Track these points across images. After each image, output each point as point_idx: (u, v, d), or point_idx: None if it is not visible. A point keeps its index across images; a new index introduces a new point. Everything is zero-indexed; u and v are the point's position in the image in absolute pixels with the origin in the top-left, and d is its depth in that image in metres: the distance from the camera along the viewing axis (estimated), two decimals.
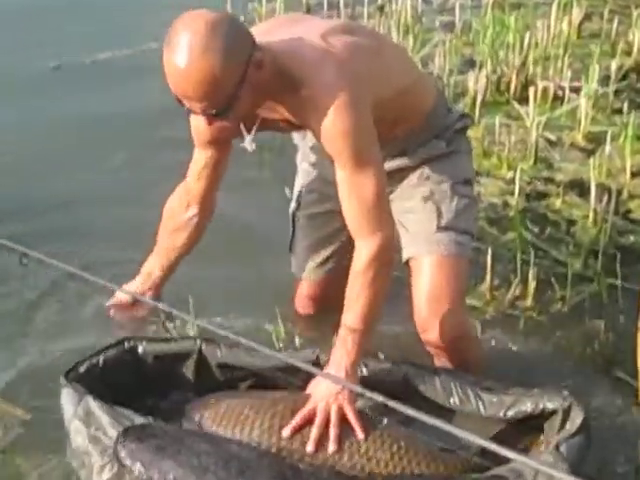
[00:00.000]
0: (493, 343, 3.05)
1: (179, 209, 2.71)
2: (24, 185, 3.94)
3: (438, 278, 2.62)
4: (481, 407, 2.42)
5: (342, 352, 2.37)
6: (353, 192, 2.36)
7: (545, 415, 2.38)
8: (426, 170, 2.67)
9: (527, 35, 4.88)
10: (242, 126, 2.40)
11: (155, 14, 5.28)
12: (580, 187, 3.93)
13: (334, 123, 2.29)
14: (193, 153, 2.65)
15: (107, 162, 4.17)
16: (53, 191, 3.90)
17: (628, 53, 5.05)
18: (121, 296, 2.81)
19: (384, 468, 2.28)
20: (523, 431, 2.41)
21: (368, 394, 2.00)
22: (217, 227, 2.77)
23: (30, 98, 4.71)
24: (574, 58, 4.96)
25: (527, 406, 2.39)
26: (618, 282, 3.26)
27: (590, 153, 4.17)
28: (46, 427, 2.64)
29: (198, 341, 2.58)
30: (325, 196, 2.82)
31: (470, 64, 5.00)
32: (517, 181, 3.83)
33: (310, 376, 2.37)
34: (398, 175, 2.67)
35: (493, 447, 1.74)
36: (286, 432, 2.31)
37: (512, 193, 3.85)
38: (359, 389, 2.21)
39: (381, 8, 5.75)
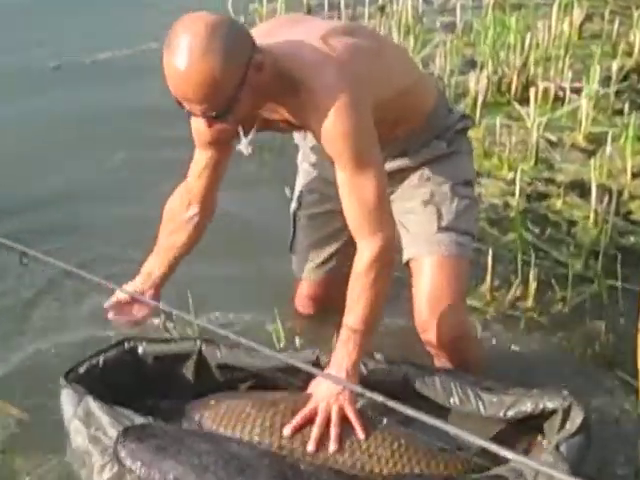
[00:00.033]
0: (493, 343, 3.05)
1: (180, 208, 2.71)
2: (24, 184, 3.94)
3: (439, 279, 2.63)
4: (481, 407, 2.42)
5: (343, 353, 2.37)
6: (354, 194, 2.36)
7: (545, 415, 2.38)
8: (427, 171, 2.67)
9: (528, 36, 4.87)
10: (240, 129, 2.39)
11: (155, 14, 5.32)
12: (581, 188, 3.93)
13: (334, 125, 2.29)
14: (193, 153, 2.64)
15: (107, 161, 4.17)
16: (53, 190, 3.91)
17: (629, 54, 5.05)
18: (120, 296, 2.80)
19: (384, 467, 2.28)
20: (523, 431, 2.41)
21: (368, 394, 2.00)
22: (217, 227, 2.77)
23: (30, 98, 4.71)
24: (575, 59, 4.96)
25: (527, 406, 2.39)
26: (619, 283, 3.26)
27: (591, 154, 4.17)
28: (46, 427, 2.64)
29: (198, 342, 2.58)
30: (326, 196, 2.82)
31: (471, 65, 4.99)
32: (518, 182, 3.83)
33: (310, 377, 2.37)
34: (399, 176, 2.67)
35: (493, 447, 1.74)
36: (287, 431, 2.31)
37: (513, 194, 3.85)
38: (360, 389, 2.20)
39: (382, 8, 5.74)
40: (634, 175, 4.01)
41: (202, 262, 2.98)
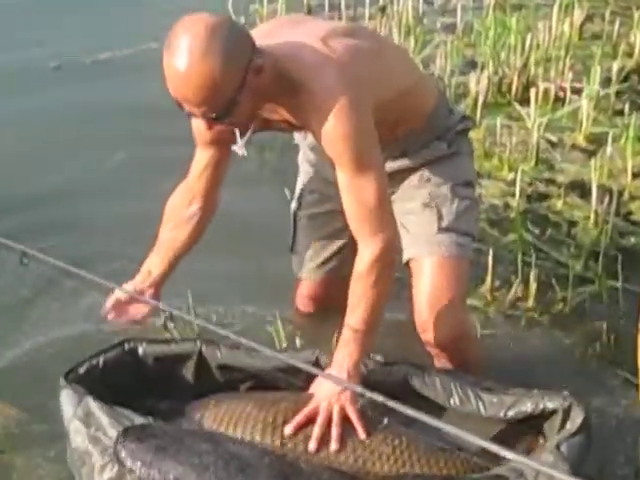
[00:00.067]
0: (494, 343, 3.05)
1: (181, 207, 2.70)
2: (24, 182, 3.94)
3: (439, 279, 2.63)
4: (481, 407, 2.42)
5: (344, 353, 2.37)
6: (354, 195, 2.36)
7: (545, 415, 2.37)
8: (427, 172, 2.67)
9: (528, 36, 4.87)
10: (237, 131, 2.39)
11: (155, 14, 5.32)
12: (581, 188, 3.93)
13: (335, 126, 2.29)
14: (193, 151, 2.64)
15: (107, 160, 4.18)
16: (53, 188, 3.91)
17: (629, 54, 5.05)
18: (120, 295, 2.80)
19: (385, 467, 2.28)
20: (523, 431, 2.41)
21: (369, 394, 1.99)
22: (218, 226, 2.76)
23: (30, 98, 4.71)
24: (575, 59, 4.96)
25: (527, 406, 2.39)
26: (619, 283, 3.26)
27: (591, 154, 4.17)
28: (46, 427, 2.64)
29: (198, 342, 2.57)
30: (326, 196, 2.82)
31: (471, 65, 5.00)
32: (518, 182, 3.83)
33: (310, 377, 2.36)
34: (399, 176, 2.67)
35: (493, 447, 1.74)
36: (288, 430, 2.31)
37: (513, 194, 3.85)
38: (361, 390, 2.20)
39: (382, 9, 5.74)
40: (634, 175, 4.01)
41: (203, 261, 2.97)
